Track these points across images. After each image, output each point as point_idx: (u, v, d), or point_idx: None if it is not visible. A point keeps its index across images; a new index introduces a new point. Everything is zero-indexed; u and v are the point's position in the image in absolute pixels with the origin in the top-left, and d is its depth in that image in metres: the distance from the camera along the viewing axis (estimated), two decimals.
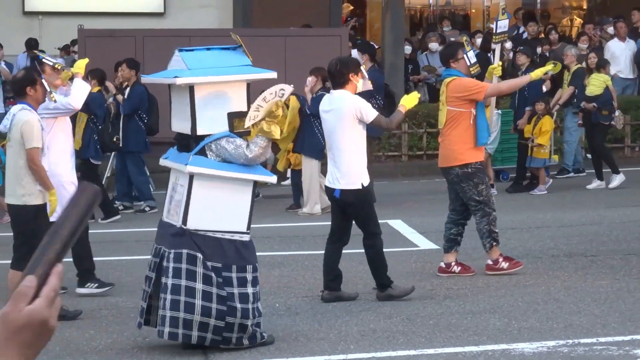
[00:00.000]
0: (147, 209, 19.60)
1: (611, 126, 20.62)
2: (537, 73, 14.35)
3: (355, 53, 19.53)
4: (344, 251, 12.67)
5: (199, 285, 10.27)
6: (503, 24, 13.66)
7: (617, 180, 20.50)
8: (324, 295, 12.59)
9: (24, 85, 12.05)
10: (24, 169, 11.83)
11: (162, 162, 11.16)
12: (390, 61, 24.82)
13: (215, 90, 10.70)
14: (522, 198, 20.03)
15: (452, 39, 26.99)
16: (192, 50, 11.25)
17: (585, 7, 34.01)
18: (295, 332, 11.10)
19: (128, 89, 19.80)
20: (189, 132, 10.63)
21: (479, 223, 13.63)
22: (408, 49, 26.69)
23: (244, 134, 10.67)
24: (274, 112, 10.45)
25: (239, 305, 10.34)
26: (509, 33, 13.82)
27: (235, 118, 10.55)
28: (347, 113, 12.21)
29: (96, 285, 13.15)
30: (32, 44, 25.72)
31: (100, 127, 18.24)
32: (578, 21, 32.15)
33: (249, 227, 10.63)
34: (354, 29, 28.56)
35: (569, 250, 14.86)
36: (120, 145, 19.25)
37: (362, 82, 12.69)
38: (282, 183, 19.88)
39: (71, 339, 11.18)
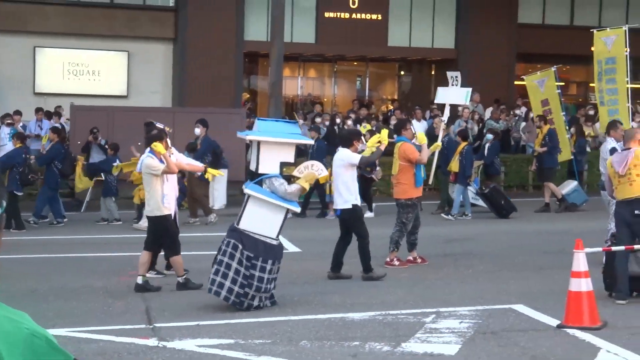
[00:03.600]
0: (55, 222, 19.53)
1: (372, 179, 20.59)
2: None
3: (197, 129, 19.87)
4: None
5: (234, 264, 10.59)
6: (446, 116, 14.46)
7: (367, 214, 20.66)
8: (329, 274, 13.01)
9: (153, 139, 12.27)
10: (153, 192, 12.04)
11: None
12: None
13: (274, 146, 10.93)
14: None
15: (318, 119, 27.08)
16: (266, 120, 11.96)
17: (396, 97, 34.35)
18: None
19: (49, 146, 20.25)
20: (254, 170, 11.03)
21: (394, 233, 13.95)
22: None
23: (288, 178, 11.09)
24: (309, 179, 10.97)
25: (255, 283, 10.60)
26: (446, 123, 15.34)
27: (284, 166, 11.13)
28: (342, 162, 12.92)
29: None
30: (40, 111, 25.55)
31: (20, 169, 18.65)
32: (391, 107, 32.46)
33: (277, 236, 10.86)
34: (249, 110, 28.49)
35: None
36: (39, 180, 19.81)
37: (360, 146, 13.34)
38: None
39: (61, 307, 10.96)
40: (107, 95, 28.93)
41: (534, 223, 19.06)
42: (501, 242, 16.30)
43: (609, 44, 21.06)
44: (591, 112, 27.15)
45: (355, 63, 34.72)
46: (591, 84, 28.57)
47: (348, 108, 30.25)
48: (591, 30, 22.43)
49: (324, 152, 20.77)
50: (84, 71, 29.51)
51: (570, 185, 21.52)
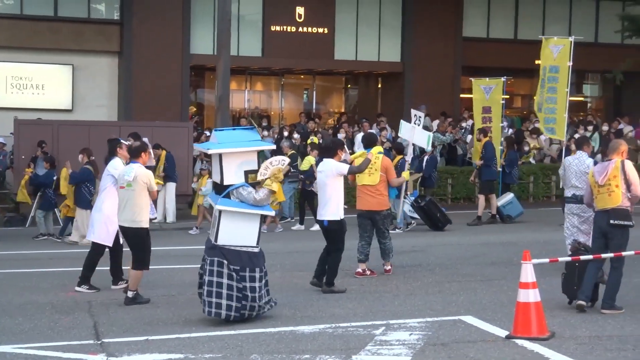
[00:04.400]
0: None
1: (313, 191, 20.62)
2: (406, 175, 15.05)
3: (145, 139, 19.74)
4: None
5: (225, 281, 10.56)
6: (410, 156, 14.69)
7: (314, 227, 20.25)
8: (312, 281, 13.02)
9: (140, 151, 12.19)
10: (144, 203, 11.90)
11: (208, 200, 11.39)
12: None
13: (236, 155, 10.87)
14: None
15: (265, 133, 27.05)
16: (223, 130, 11.88)
17: (343, 110, 34.52)
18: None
19: None
20: (219, 182, 10.90)
21: (387, 244, 14.05)
22: None
23: (254, 185, 10.87)
24: (276, 175, 10.89)
25: (249, 294, 10.63)
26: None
27: (249, 174, 10.90)
28: (330, 173, 12.75)
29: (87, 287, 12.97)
30: None
31: None
32: (339, 120, 32.55)
33: (257, 243, 10.81)
34: (196, 123, 28.39)
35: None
36: None
37: (344, 156, 13.24)
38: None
39: (6, 324, 10.80)
40: (52, 109, 28.60)
41: (481, 235, 19.20)
42: (449, 253, 16.39)
43: (555, 52, 21.40)
44: (537, 125, 27.49)
45: (302, 76, 34.80)
46: (535, 97, 28.94)
47: (295, 121, 30.30)
48: (540, 37, 22.73)
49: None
50: (28, 85, 29.19)
51: (506, 197, 21.65)
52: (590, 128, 28.42)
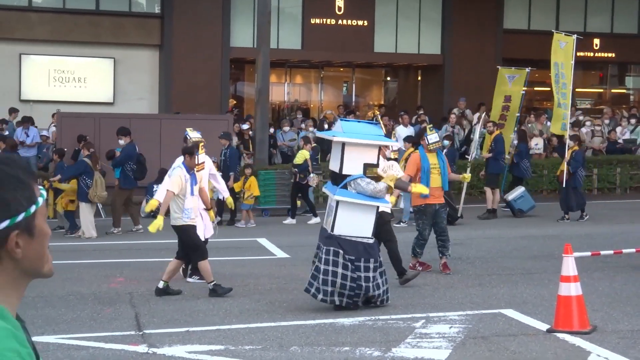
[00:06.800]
0: None
1: (309, 185, 20.55)
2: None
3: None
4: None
5: (339, 270, 10.77)
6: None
7: (312, 221, 20.16)
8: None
9: (184, 153, 12.21)
10: (175, 202, 12.00)
11: (324, 190, 11.85)
12: (259, 137, 24.82)
13: (358, 147, 10.97)
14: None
15: (303, 126, 27.10)
16: (348, 120, 12.06)
17: (383, 103, 34.44)
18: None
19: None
20: (338, 171, 10.99)
21: (414, 241, 13.80)
22: (271, 130, 26.70)
23: (371, 179, 10.96)
24: (392, 179, 11.07)
25: (363, 284, 10.83)
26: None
27: (368, 167, 11.02)
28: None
29: (198, 277, 12.97)
30: (27, 119, 25.40)
31: None
32: (377, 113, 32.45)
33: (373, 234, 10.96)
34: (236, 116, 28.47)
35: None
36: None
37: (387, 152, 13.16)
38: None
39: (49, 315, 10.93)
40: (93, 102, 28.86)
41: (521, 228, 19.10)
42: (489, 247, 16.33)
43: (562, 47, 21.15)
44: (580, 118, 27.28)
45: (342, 69, 34.78)
46: (577, 89, 28.65)
47: (335, 114, 30.29)
48: (552, 31, 22.44)
49: (236, 159, 20.83)
50: (70, 78, 29.45)
51: (517, 191, 21.38)
52: (633, 121, 28.12)
